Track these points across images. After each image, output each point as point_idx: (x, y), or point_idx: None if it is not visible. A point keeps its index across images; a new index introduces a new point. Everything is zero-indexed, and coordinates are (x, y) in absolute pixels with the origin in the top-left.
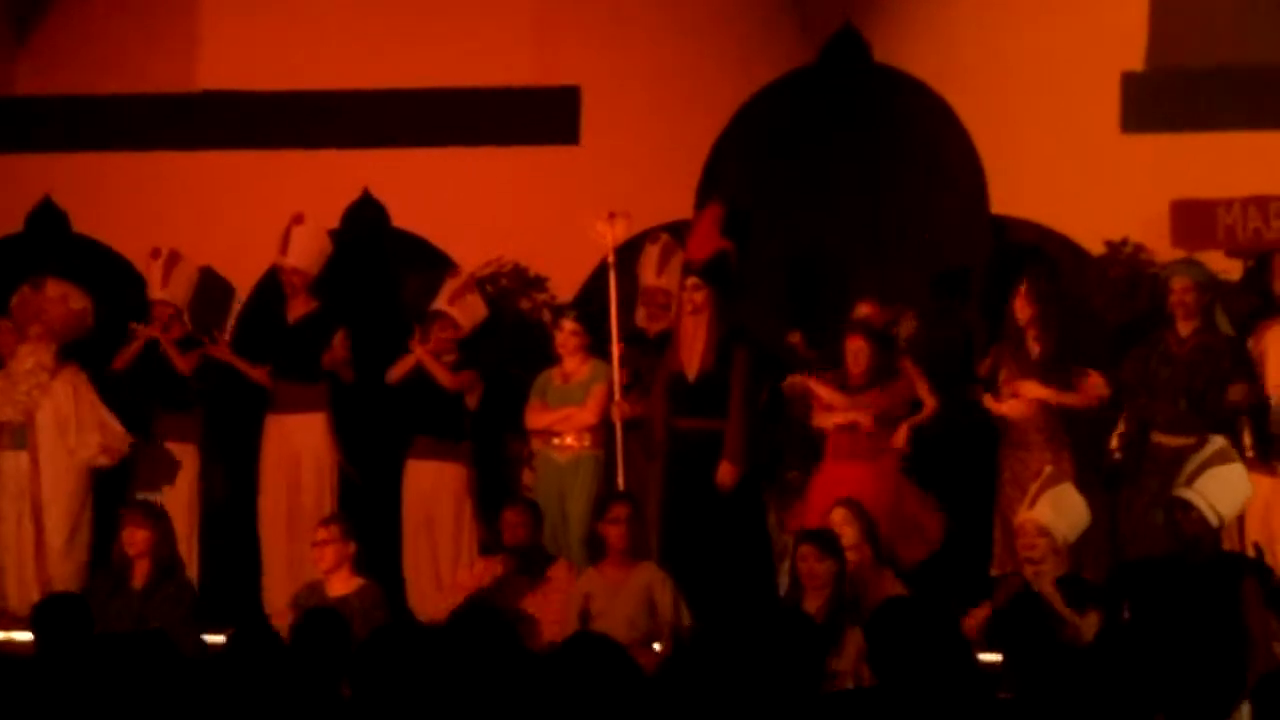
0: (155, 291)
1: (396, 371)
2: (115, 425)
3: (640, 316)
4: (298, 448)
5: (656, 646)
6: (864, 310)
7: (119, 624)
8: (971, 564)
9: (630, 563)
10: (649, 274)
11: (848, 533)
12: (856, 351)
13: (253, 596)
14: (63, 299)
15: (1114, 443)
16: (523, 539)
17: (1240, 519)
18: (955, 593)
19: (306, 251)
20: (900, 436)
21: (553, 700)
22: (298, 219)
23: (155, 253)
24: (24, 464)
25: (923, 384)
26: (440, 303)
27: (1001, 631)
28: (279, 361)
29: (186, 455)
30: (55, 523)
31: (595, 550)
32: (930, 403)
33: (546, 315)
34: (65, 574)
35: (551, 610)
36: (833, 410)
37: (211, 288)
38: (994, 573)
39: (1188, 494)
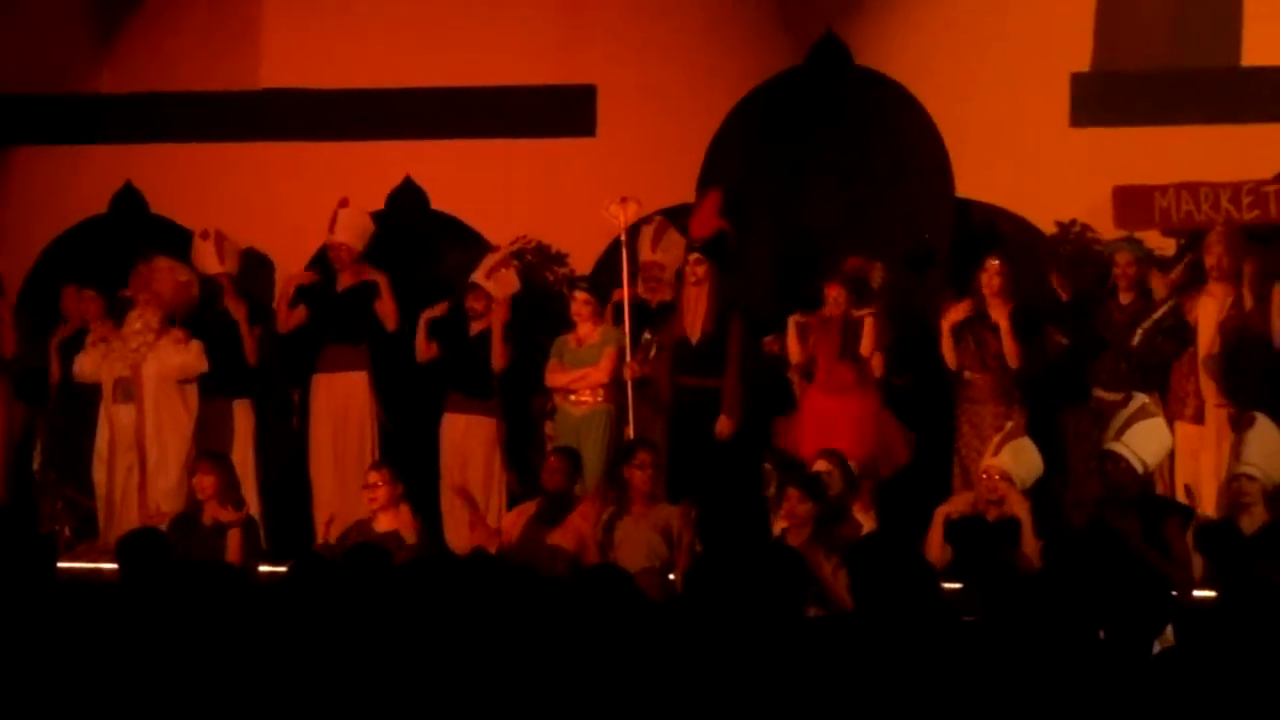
0: (212, 267)
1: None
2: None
3: (641, 288)
4: (343, 402)
5: (671, 576)
6: (851, 264)
7: (192, 556)
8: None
9: (652, 502)
10: (645, 251)
11: (832, 482)
12: (835, 297)
13: (307, 532)
14: (170, 271)
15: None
16: (560, 484)
17: (1171, 465)
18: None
19: (351, 230)
20: (877, 365)
21: (568, 623)
22: (343, 202)
23: (204, 234)
24: (133, 417)
25: (870, 338)
26: (477, 276)
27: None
28: (329, 326)
29: (244, 411)
30: (162, 468)
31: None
32: (867, 351)
33: (567, 287)
34: (168, 514)
35: (570, 543)
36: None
37: (255, 262)
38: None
39: (1116, 447)
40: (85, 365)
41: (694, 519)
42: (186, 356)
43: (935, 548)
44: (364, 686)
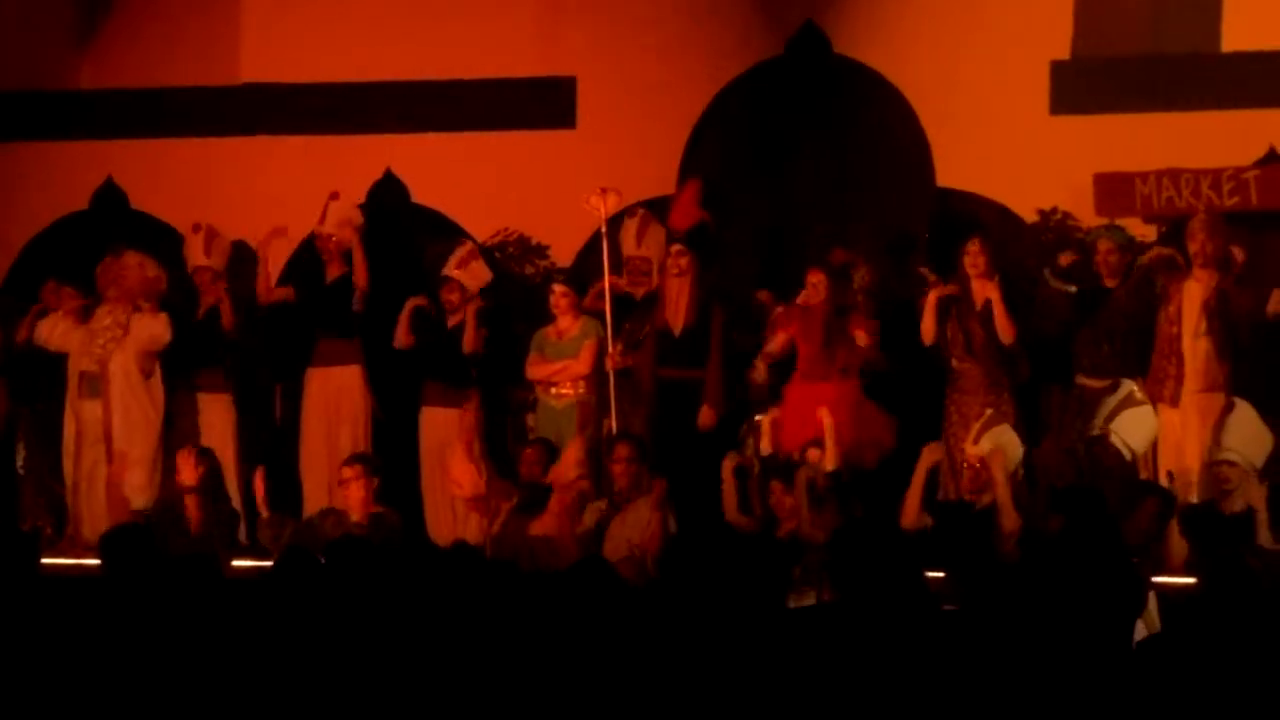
0: (199, 259)
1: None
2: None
3: (624, 281)
4: (337, 396)
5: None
6: (836, 256)
7: (175, 549)
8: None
9: (635, 493)
10: (629, 245)
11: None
12: (816, 283)
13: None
14: (139, 266)
15: None
16: (537, 475)
17: (1154, 450)
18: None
19: (341, 222)
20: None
21: (549, 613)
22: (334, 195)
23: (196, 227)
24: (99, 412)
25: (861, 329)
26: (449, 269)
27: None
28: (319, 318)
29: (221, 405)
30: (132, 462)
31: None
32: (863, 342)
33: (545, 281)
34: (140, 507)
35: (552, 533)
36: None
37: (243, 257)
38: (939, 498)
39: (1105, 433)
40: (52, 335)
41: (664, 493)
42: (155, 327)
43: (912, 513)
44: (348, 679)
